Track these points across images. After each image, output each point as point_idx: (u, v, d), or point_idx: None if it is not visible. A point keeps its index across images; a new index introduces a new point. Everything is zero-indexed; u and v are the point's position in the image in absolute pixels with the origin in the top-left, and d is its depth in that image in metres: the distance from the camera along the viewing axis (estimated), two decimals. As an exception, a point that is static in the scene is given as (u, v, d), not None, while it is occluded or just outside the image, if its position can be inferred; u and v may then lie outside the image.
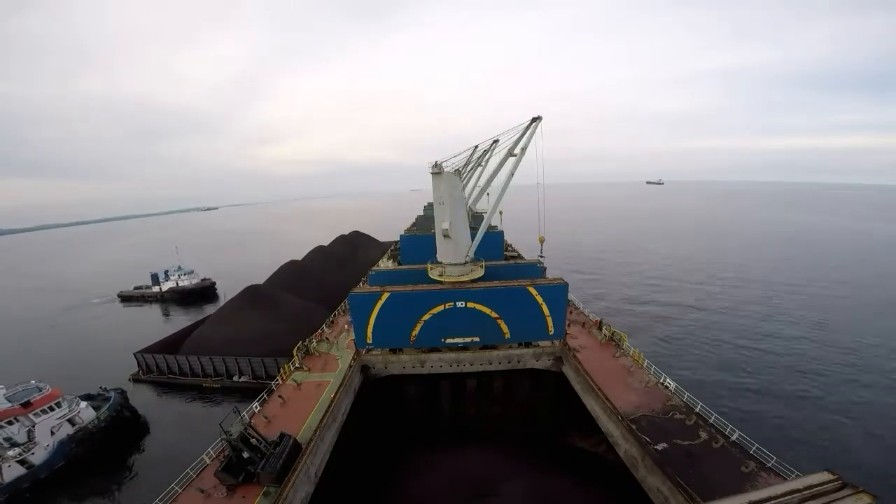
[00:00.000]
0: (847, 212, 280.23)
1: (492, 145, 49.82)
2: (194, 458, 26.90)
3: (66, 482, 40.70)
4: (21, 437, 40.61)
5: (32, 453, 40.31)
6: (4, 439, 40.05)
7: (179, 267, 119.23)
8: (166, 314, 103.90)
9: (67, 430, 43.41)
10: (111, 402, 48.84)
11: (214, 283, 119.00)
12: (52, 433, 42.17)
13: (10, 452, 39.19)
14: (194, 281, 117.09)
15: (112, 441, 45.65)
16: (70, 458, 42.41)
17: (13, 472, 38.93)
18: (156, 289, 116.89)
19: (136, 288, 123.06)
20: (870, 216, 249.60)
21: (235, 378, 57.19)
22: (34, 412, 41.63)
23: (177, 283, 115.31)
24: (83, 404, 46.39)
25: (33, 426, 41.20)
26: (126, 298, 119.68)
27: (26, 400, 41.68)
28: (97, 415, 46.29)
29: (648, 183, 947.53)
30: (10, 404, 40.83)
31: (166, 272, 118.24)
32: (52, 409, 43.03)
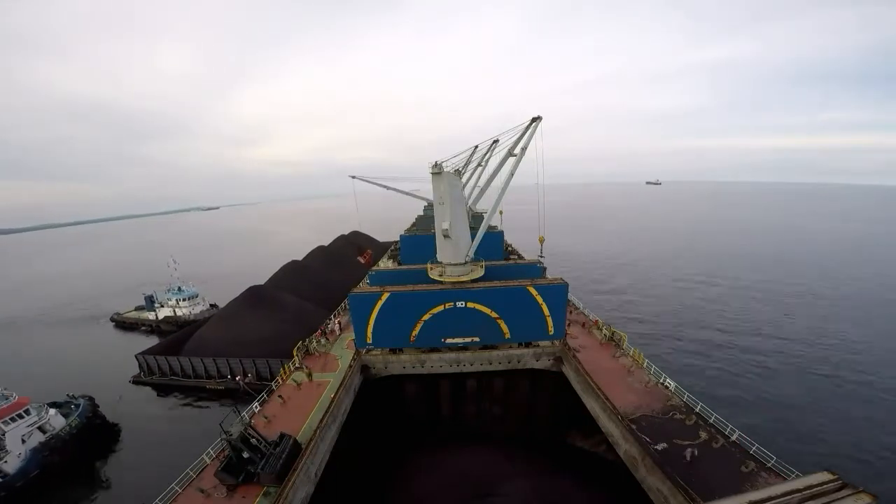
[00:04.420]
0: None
1: (491, 146, 49.86)
2: (193, 459, 26.83)
3: (45, 490, 40.25)
4: None
5: (5, 461, 39.57)
6: None
7: (180, 288, 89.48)
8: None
9: (39, 437, 42.71)
10: (80, 408, 48.13)
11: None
12: (23, 441, 41.36)
13: None
14: (198, 308, 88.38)
15: (86, 448, 45.28)
16: (45, 465, 41.71)
17: None
18: (151, 315, 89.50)
19: (116, 315, 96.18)
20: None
21: (239, 379, 56.37)
22: (2, 420, 40.70)
23: (174, 311, 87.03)
24: (52, 412, 45.48)
25: (3, 434, 40.35)
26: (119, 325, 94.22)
27: None
28: (68, 422, 45.68)
29: (648, 183, 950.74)
30: None
31: (150, 297, 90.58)
32: (20, 416, 42.03)
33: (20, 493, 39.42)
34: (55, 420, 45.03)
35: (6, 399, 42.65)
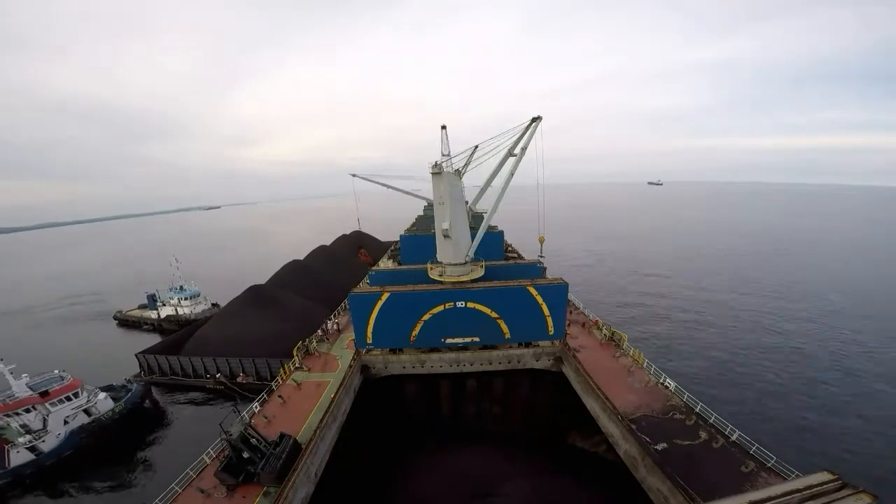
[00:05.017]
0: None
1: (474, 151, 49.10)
2: (195, 458, 26.89)
3: (71, 470, 41.36)
4: (36, 425, 41.62)
5: (43, 441, 41.16)
6: (21, 426, 41.13)
7: (181, 287, 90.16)
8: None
9: (82, 419, 44.22)
10: (131, 393, 49.40)
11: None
12: (66, 422, 42.92)
13: (21, 439, 40.24)
14: (200, 308, 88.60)
15: (126, 433, 46.25)
16: (79, 447, 42.89)
17: (21, 457, 39.77)
18: (153, 314, 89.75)
19: (119, 313, 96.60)
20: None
21: (240, 379, 56.47)
22: (51, 401, 42.39)
23: (176, 310, 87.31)
24: (102, 395, 46.98)
25: (47, 415, 41.99)
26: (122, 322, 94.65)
27: (44, 389, 42.52)
28: (114, 406, 46.95)
29: (650, 183, 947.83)
30: (29, 393, 41.74)
31: (153, 296, 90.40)
32: (69, 398, 43.70)
33: (49, 471, 40.81)
34: (102, 404, 46.43)
35: (61, 380, 44.24)
